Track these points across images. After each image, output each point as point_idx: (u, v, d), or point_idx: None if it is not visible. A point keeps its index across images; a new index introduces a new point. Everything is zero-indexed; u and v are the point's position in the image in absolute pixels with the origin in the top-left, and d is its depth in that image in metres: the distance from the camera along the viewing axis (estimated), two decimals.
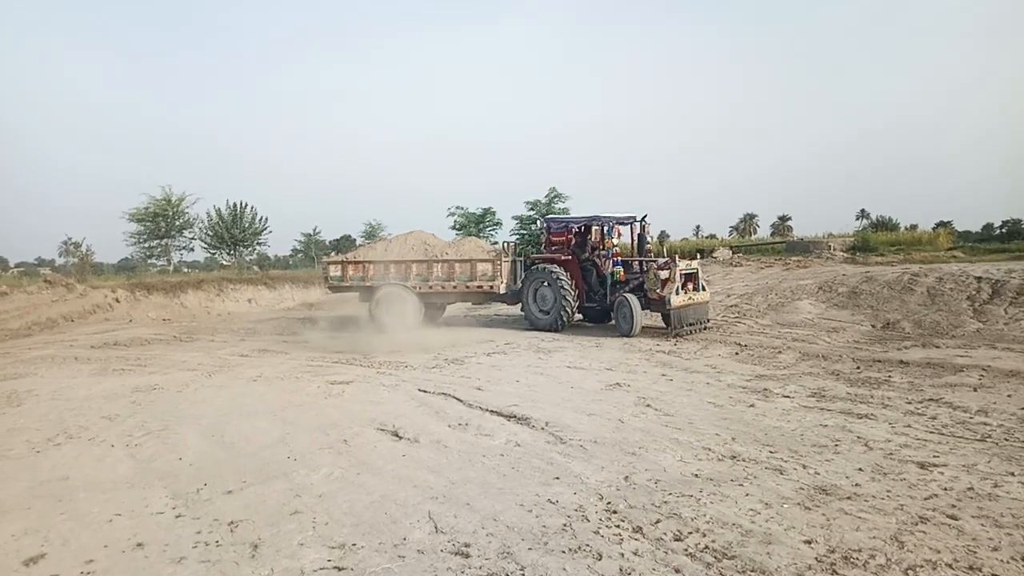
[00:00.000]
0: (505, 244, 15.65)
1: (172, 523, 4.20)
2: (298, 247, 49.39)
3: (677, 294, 12.55)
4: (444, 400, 7.51)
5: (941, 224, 50.84)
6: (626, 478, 4.83)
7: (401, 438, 6.00)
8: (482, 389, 8.05)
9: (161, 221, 35.22)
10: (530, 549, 3.69)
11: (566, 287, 13.80)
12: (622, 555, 3.59)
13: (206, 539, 3.92)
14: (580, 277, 14.21)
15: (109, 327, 16.79)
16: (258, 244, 40.47)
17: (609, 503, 4.36)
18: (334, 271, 15.89)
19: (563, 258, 14.34)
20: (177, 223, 36.02)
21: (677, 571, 3.40)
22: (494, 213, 34.73)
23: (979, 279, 14.66)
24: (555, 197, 32.51)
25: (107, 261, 47.56)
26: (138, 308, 19.75)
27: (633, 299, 12.91)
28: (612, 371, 9.23)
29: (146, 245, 36.12)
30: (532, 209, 32.46)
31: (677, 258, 13.24)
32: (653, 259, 13.81)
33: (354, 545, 3.79)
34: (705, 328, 13.05)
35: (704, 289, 13.48)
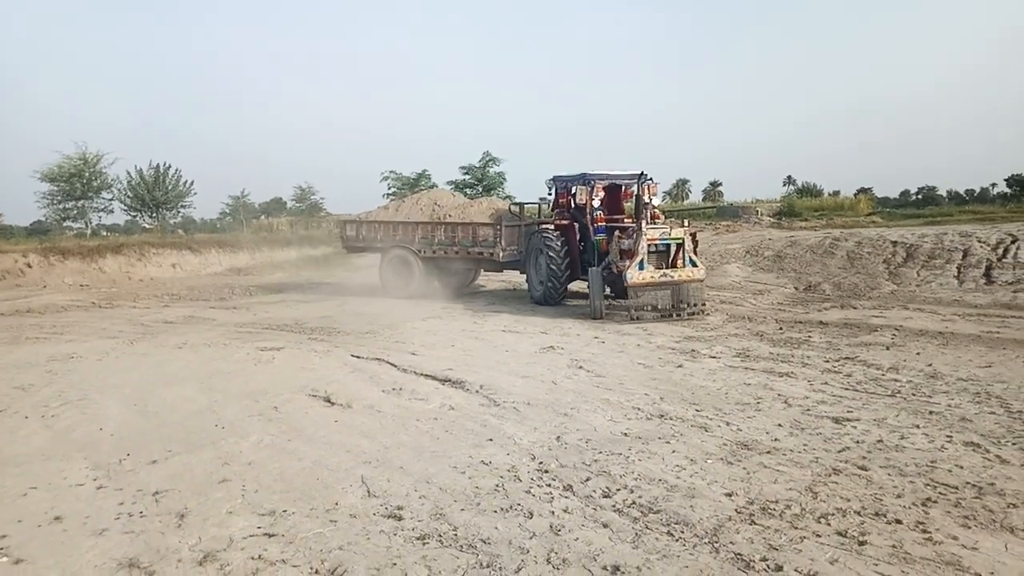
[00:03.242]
0: (512, 207, 14.49)
1: (92, 495, 4.06)
2: (226, 210, 47.64)
3: (640, 269, 10.21)
4: (378, 365, 7.46)
5: (862, 190, 52.94)
6: (558, 438, 4.93)
7: (334, 404, 5.94)
8: (417, 354, 8.03)
9: (77, 182, 33.25)
10: (463, 510, 3.73)
11: (554, 255, 11.87)
12: (552, 513, 3.68)
13: (129, 510, 3.81)
14: (576, 244, 12.19)
15: (20, 294, 15.91)
16: (182, 207, 38.91)
17: (541, 463, 4.44)
18: (350, 230, 15.52)
19: (561, 222, 12.45)
20: (94, 184, 34.12)
21: (605, 526, 3.50)
22: (429, 176, 34.34)
23: (895, 243, 15.42)
24: (489, 161, 32.31)
25: (17, 224, 44.81)
26: (52, 273, 18.75)
27: (595, 274, 10.83)
28: (546, 335, 9.33)
29: (61, 207, 34.11)
30: (467, 174, 32.21)
31: (645, 225, 10.60)
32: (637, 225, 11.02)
33: (285, 511, 3.75)
34: (694, 313, 10.39)
35: (696, 265, 10.60)
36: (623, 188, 12.72)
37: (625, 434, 4.99)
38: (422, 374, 6.99)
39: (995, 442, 4.59)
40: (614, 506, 3.75)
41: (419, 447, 4.80)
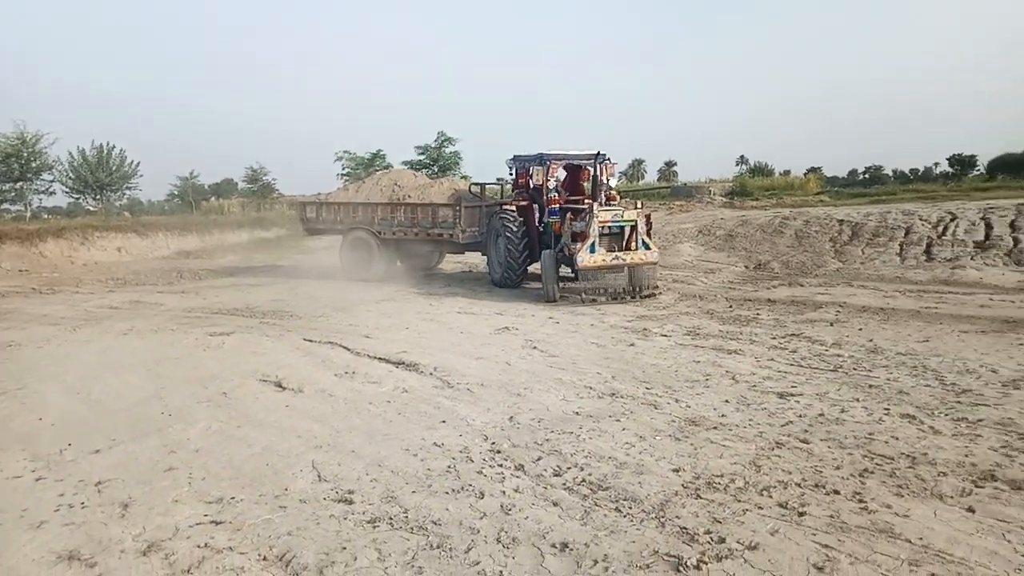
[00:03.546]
0: (472, 187, 14.16)
1: (31, 487, 3.94)
2: (175, 192, 46.22)
3: (592, 252, 10.07)
4: (331, 349, 7.38)
5: (812, 170, 54.15)
6: (511, 418, 4.96)
7: (285, 389, 5.86)
8: (370, 337, 7.97)
9: (14, 162, 31.85)
10: (414, 492, 3.74)
11: (512, 236, 11.69)
12: (503, 492, 3.71)
13: (70, 501, 3.71)
14: (535, 225, 11.99)
15: None
16: (128, 189, 37.62)
17: (493, 443, 4.46)
18: (310, 212, 15.18)
19: (521, 203, 12.15)
20: (33, 165, 32.72)
21: (555, 504, 3.55)
22: (383, 157, 33.89)
23: (841, 222, 15.82)
24: (445, 141, 32.03)
25: None
26: None
27: (548, 257, 10.64)
28: (501, 316, 9.35)
29: None
30: (422, 154, 31.88)
31: (596, 207, 10.39)
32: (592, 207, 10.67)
33: (232, 498, 3.70)
34: (646, 296, 10.39)
35: (649, 247, 10.48)
36: (582, 169, 12.58)
37: (577, 413, 5.05)
38: (375, 357, 6.94)
39: (929, 414, 4.78)
40: (564, 484, 3.80)
41: (371, 430, 4.78)
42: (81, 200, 36.50)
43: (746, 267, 13.73)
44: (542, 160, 11.63)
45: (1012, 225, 13.69)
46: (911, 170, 62.20)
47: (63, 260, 19.22)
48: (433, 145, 32.08)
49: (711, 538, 3.14)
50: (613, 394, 5.50)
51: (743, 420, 4.78)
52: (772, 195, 29.50)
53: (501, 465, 4.10)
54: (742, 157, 73.95)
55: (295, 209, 18.10)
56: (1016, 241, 12.72)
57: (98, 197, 35.58)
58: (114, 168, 35.22)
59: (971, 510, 3.36)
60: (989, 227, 13.81)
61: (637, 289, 10.41)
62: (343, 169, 33.40)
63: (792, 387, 5.55)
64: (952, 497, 3.51)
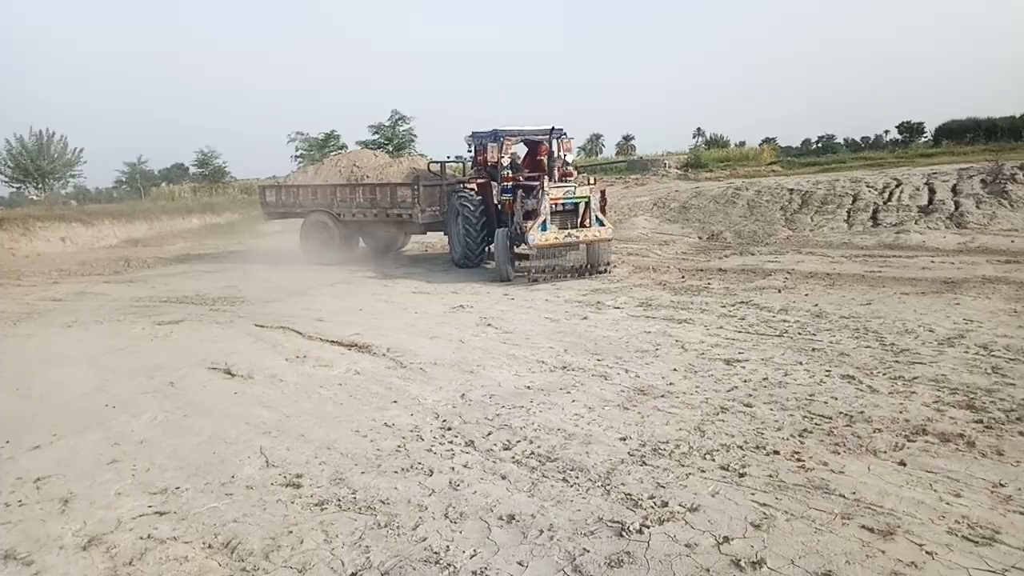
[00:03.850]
0: (431, 165, 13.73)
1: None
2: (122, 179, 44.84)
3: (544, 229, 9.79)
4: (282, 334, 7.28)
5: (766, 140, 54.94)
6: (463, 396, 4.97)
7: (234, 375, 5.78)
8: (323, 320, 7.88)
9: None
10: (363, 473, 3.74)
11: (469, 215, 11.52)
12: (452, 469, 3.73)
13: (6, 500, 3.61)
14: (493, 203, 11.67)
15: None
16: (72, 176, 36.40)
17: (444, 421, 4.48)
18: (270, 195, 14.88)
19: (480, 181, 11.93)
20: None
21: (503, 478, 3.58)
22: (338, 137, 33.37)
23: (791, 191, 16.11)
24: (399, 119, 31.64)
25: None
26: None
27: (501, 235, 10.49)
28: (457, 295, 9.34)
29: None
30: (376, 133, 31.44)
31: (548, 184, 10.08)
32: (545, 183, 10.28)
33: (177, 488, 3.65)
34: (601, 272, 10.24)
35: (603, 224, 10.22)
36: (541, 145, 12.20)
37: (528, 387, 5.08)
38: (328, 340, 6.88)
39: (868, 373, 4.93)
40: (513, 458, 3.83)
41: (322, 414, 4.75)
42: (22, 189, 35.20)
43: (699, 238, 13.91)
44: (496, 136, 11.41)
45: (954, 189, 14.12)
46: (862, 138, 63.44)
47: (3, 253, 18.51)
48: (387, 124, 31.66)
49: (654, 502, 3.21)
50: (565, 367, 5.55)
51: (690, 387, 4.88)
52: (727, 166, 29.86)
53: (451, 442, 4.11)
54: (699, 130, 74.67)
55: (256, 193, 17.75)
56: (957, 204, 13.12)
57: (40, 186, 34.35)
58: (56, 155, 34.02)
59: (903, 463, 3.49)
60: (932, 192, 14.22)
61: (591, 266, 10.27)
62: (296, 151, 32.82)
63: (739, 353, 5.66)
64: (885, 452, 3.64)
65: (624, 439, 4.00)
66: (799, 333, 6.22)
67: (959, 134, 38.03)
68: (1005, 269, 8.64)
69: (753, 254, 11.33)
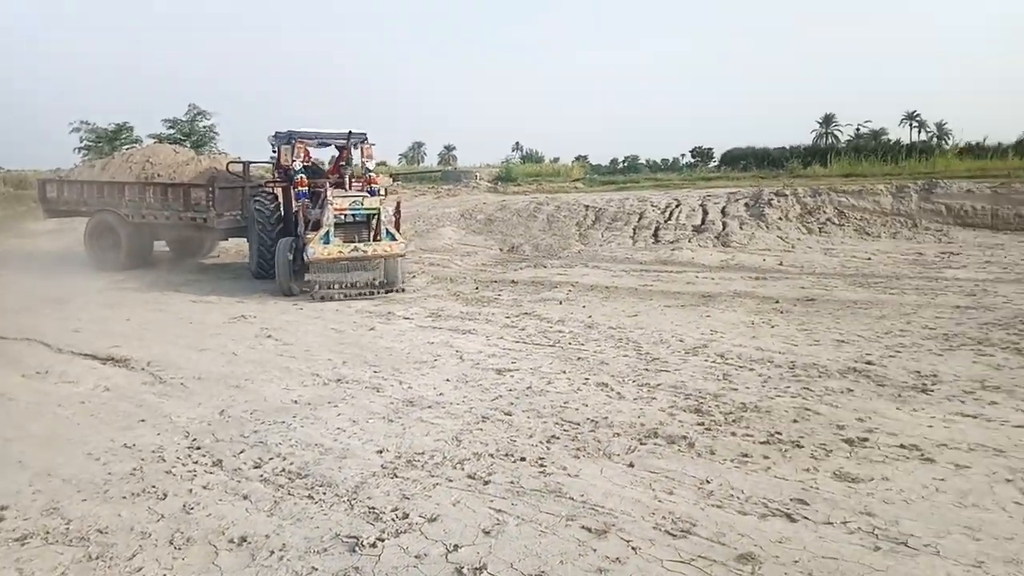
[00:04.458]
0: (231, 166, 12.53)
1: None
2: None
3: (326, 243, 9.04)
4: (26, 346, 6.51)
5: (579, 158, 58.09)
6: (222, 412, 4.72)
7: None
8: (80, 331, 7.14)
9: None
10: (84, 500, 3.41)
11: (264, 221, 10.58)
12: (190, 491, 3.52)
13: None
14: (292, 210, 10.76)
15: None
16: None
17: (194, 440, 4.22)
18: (51, 191, 13.01)
19: (279, 184, 11.12)
20: None
21: (245, 498, 3.44)
22: (131, 130, 30.39)
23: (587, 207, 17.14)
24: (198, 115, 29.52)
25: None
26: None
27: (282, 247, 9.73)
28: (242, 303, 8.88)
29: None
30: (172, 127, 29.08)
31: (331, 191, 9.43)
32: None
33: None
34: (390, 291, 9.40)
35: (395, 238, 9.60)
36: (345, 150, 11.46)
37: (295, 401, 4.94)
38: (80, 353, 6.24)
39: (620, 381, 5.35)
40: (262, 476, 3.70)
41: (51, 436, 4.28)
42: None
43: (500, 250, 14.38)
44: (289, 139, 10.86)
45: (723, 211, 15.80)
46: (662, 160, 69.13)
47: None
48: (184, 119, 29.38)
49: (396, 515, 3.24)
50: (339, 380, 5.46)
51: (458, 397, 5.00)
52: (535, 181, 31.14)
53: (196, 462, 3.88)
54: (517, 143, 77.39)
55: (33, 187, 15.68)
56: (724, 225, 14.71)
57: None
58: None
59: (631, 465, 3.81)
60: (705, 212, 15.81)
61: (387, 284, 9.52)
62: (81, 142, 29.42)
63: (512, 363, 5.91)
64: (619, 455, 3.96)
65: (381, 451, 4.01)
66: (570, 343, 6.61)
67: (737, 160, 42.72)
68: (753, 285, 9.80)
69: (546, 267, 11.90)
